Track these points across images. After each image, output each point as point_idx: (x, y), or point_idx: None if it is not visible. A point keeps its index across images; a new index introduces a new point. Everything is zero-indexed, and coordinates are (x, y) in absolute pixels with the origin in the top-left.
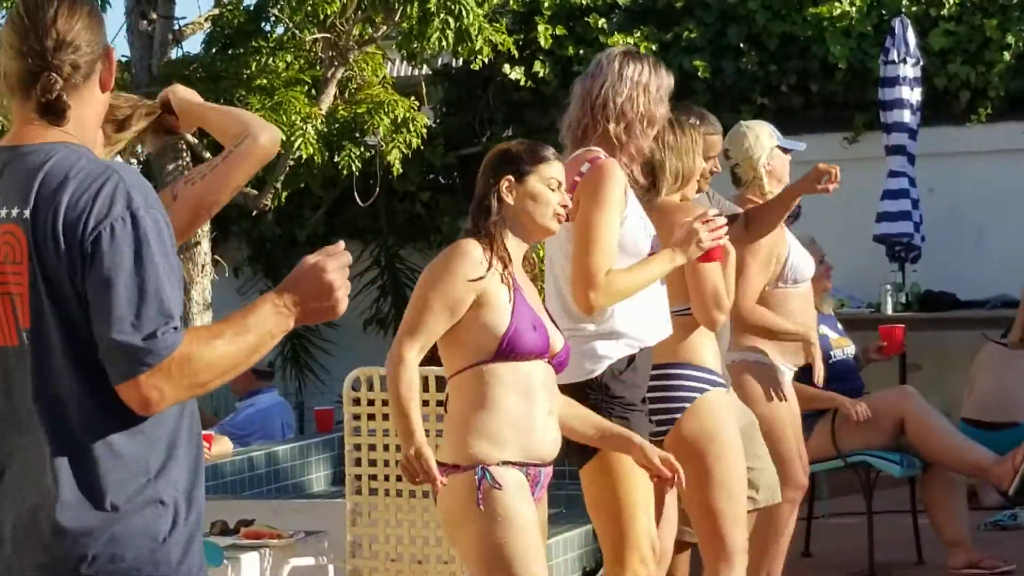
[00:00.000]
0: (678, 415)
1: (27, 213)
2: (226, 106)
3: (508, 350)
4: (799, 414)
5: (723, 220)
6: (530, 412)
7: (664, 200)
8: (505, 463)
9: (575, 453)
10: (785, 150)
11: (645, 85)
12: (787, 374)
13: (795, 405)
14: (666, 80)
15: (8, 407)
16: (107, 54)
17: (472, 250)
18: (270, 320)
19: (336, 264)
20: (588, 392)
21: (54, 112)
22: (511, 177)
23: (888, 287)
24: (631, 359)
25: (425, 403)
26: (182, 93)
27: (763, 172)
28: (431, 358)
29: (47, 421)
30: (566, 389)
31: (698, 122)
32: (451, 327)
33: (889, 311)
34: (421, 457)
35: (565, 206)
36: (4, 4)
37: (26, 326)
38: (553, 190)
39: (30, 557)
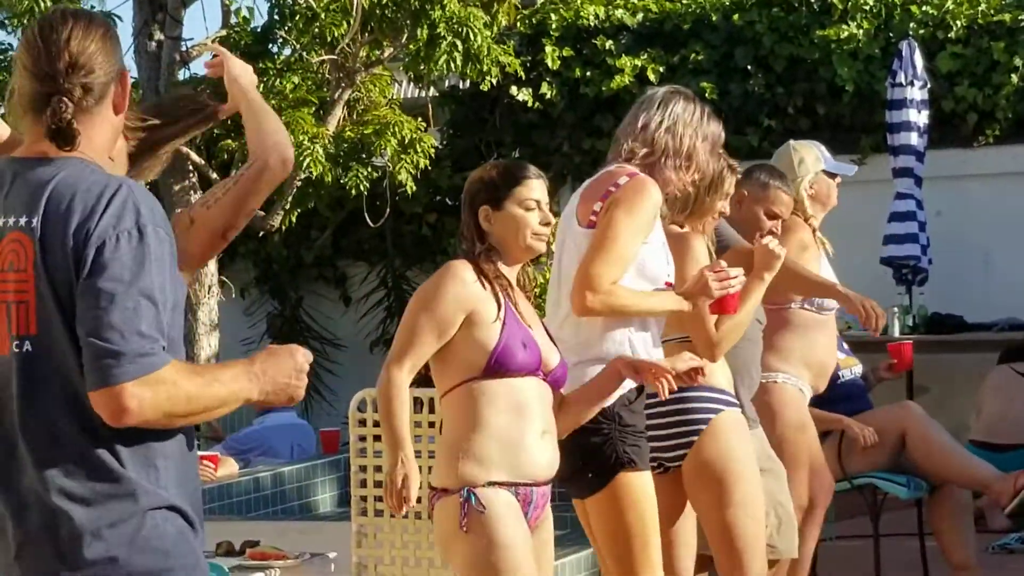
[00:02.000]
0: (695, 437)
1: (35, 222)
2: (264, 106)
3: (497, 366)
4: (816, 438)
5: (736, 271)
6: (521, 430)
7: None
8: (492, 484)
9: (578, 486)
10: (832, 175)
11: (687, 122)
12: (808, 396)
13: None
14: (714, 128)
15: None
16: (121, 77)
17: (462, 271)
18: (241, 380)
19: (304, 355)
20: (601, 423)
21: (64, 138)
22: (487, 207)
23: (895, 309)
24: (640, 388)
25: (417, 424)
26: (237, 70)
27: (804, 195)
28: (424, 379)
29: (42, 430)
30: None
31: (764, 178)
32: (442, 346)
33: (896, 333)
34: (405, 479)
35: (547, 223)
36: (16, 21)
37: (30, 332)
38: (531, 210)
39: (41, 565)
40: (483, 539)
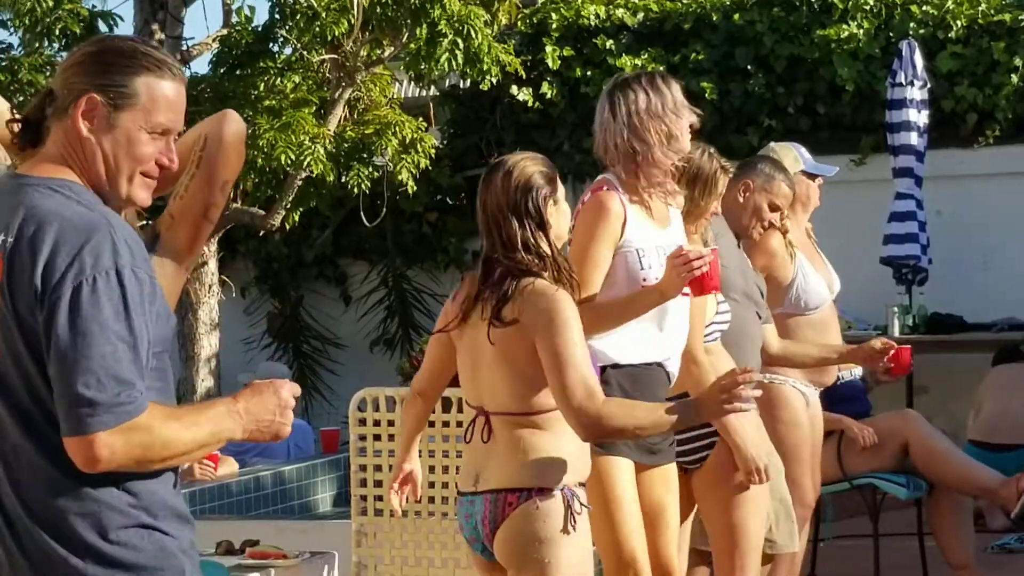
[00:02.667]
0: (710, 452)
1: (9, 241)
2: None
3: None
4: (820, 436)
5: (699, 252)
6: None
7: None
8: (580, 484)
9: None
10: (813, 176)
11: (644, 110)
12: (810, 395)
13: (817, 426)
14: (669, 93)
15: None
16: (87, 100)
17: (568, 302)
18: (223, 420)
19: (290, 389)
20: None
21: (21, 134)
22: (551, 200)
23: (895, 309)
24: (601, 371)
25: (446, 424)
26: None
27: None
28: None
29: (7, 449)
30: None
31: (768, 170)
32: (537, 372)
33: (896, 333)
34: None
35: None
36: (17, 21)
37: None
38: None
39: None
40: (585, 538)
